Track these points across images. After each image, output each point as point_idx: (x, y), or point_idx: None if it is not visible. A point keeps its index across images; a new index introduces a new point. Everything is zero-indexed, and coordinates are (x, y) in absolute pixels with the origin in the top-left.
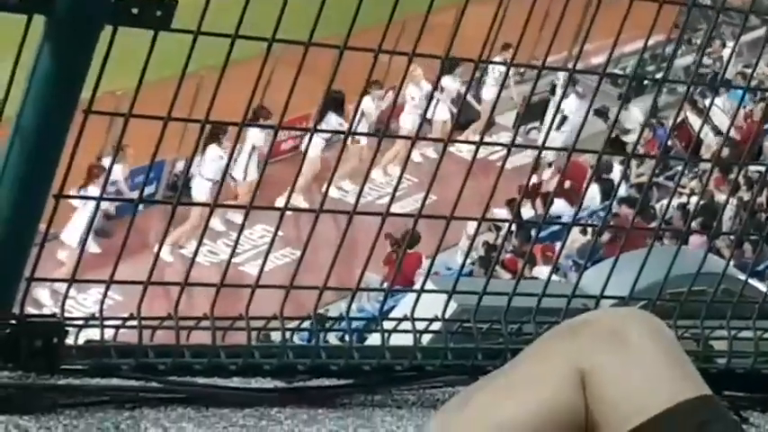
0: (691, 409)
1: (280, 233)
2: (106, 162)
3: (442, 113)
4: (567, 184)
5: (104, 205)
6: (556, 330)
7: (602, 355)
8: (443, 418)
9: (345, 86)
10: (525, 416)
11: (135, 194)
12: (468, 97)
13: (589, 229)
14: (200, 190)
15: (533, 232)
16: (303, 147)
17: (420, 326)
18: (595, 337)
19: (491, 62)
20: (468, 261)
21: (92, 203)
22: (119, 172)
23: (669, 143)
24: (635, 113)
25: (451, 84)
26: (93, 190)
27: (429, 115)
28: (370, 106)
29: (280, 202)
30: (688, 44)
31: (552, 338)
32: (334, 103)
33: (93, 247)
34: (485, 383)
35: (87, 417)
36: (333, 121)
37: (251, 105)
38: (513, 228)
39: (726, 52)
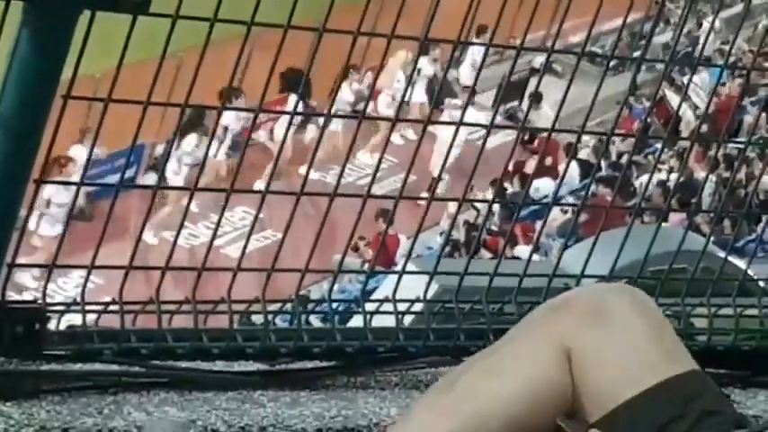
0: (679, 384)
1: (260, 215)
2: (74, 150)
3: (419, 95)
4: (549, 161)
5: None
6: (540, 310)
7: (586, 332)
8: (430, 399)
9: (323, 69)
10: (512, 396)
11: (114, 178)
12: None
13: (568, 207)
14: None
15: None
16: (275, 131)
17: (402, 307)
18: (579, 314)
19: (470, 43)
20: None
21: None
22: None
23: (648, 121)
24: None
25: (427, 65)
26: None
27: (406, 97)
28: (347, 91)
29: (257, 186)
30: (666, 23)
31: (536, 318)
32: (296, 84)
33: (73, 232)
34: (470, 365)
35: (70, 402)
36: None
37: (230, 89)
38: (497, 208)
39: (703, 30)
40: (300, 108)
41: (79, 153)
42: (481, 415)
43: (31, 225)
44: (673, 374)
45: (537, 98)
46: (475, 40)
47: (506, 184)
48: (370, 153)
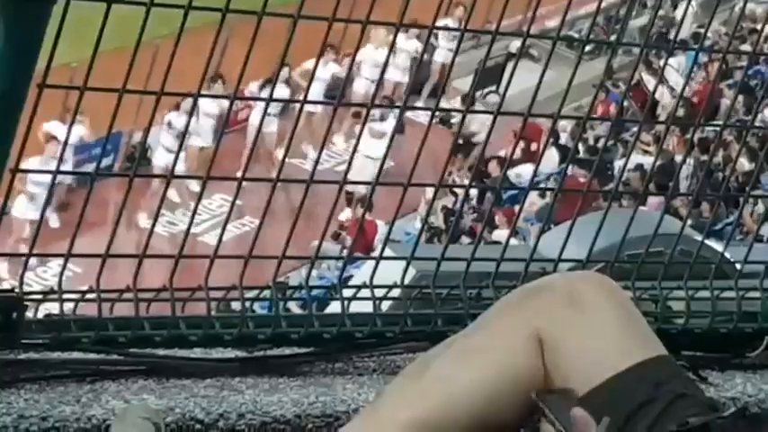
0: (648, 370)
1: (238, 202)
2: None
3: (393, 75)
4: (534, 146)
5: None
6: (512, 295)
7: (559, 319)
8: (401, 385)
9: (305, 57)
10: (483, 383)
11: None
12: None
13: (548, 192)
14: (161, 159)
15: (490, 197)
16: (251, 118)
17: (379, 293)
18: (552, 300)
19: (445, 28)
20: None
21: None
22: (84, 131)
23: (625, 104)
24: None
25: (405, 44)
26: (36, 159)
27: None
28: (323, 71)
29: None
30: (643, 6)
31: (508, 303)
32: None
33: (52, 220)
34: (442, 350)
35: (48, 390)
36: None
37: (205, 76)
38: (475, 193)
39: (679, 13)
40: (287, 94)
41: (61, 131)
42: (454, 398)
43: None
44: (643, 359)
45: (471, 101)
46: (449, 20)
47: (490, 170)
48: (344, 138)
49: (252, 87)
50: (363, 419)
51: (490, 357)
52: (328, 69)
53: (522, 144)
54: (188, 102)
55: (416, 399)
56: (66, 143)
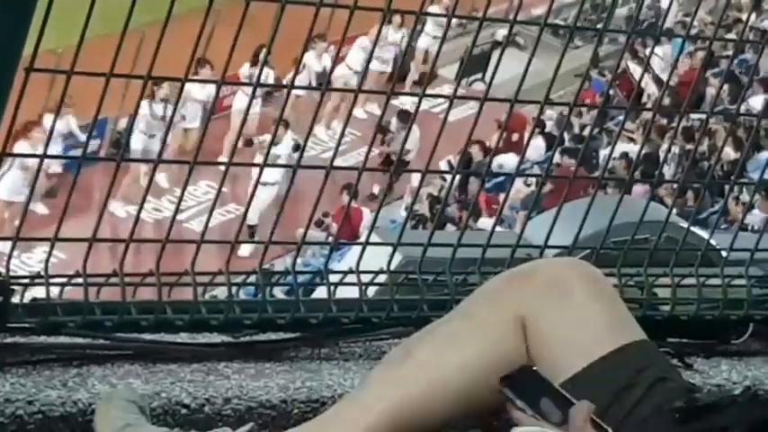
0: (629, 354)
1: (224, 189)
2: (47, 120)
3: (376, 65)
4: (516, 137)
5: (46, 164)
6: (496, 280)
7: (542, 304)
8: (383, 371)
9: (294, 44)
10: (465, 368)
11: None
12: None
13: (532, 180)
14: (137, 142)
15: (476, 184)
16: (235, 104)
17: (365, 278)
18: (535, 286)
19: (432, 14)
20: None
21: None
22: (73, 124)
23: (611, 93)
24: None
25: (392, 33)
26: (24, 146)
27: (360, 68)
28: (313, 61)
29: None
30: None
31: (491, 289)
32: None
33: (39, 208)
34: (424, 335)
35: (35, 375)
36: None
37: (192, 60)
38: (459, 181)
39: (665, 2)
40: (272, 79)
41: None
42: (436, 384)
43: None
44: (624, 343)
45: (411, 122)
46: (436, 7)
47: (473, 154)
48: (325, 126)
49: (243, 71)
50: (346, 405)
51: (472, 343)
52: (322, 62)
53: (503, 135)
54: (165, 90)
55: (398, 385)
56: (53, 128)
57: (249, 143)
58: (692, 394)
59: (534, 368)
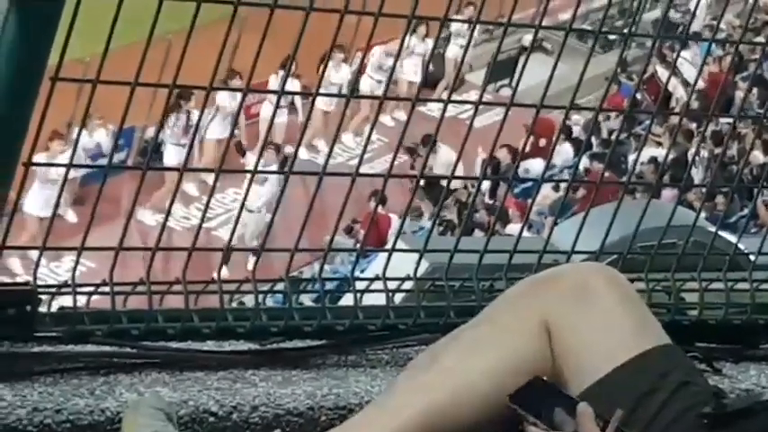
0: (653, 359)
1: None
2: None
3: (408, 74)
4: (543, 142)
5: (72, 174)
6: (519, 287)
7: (567, 309)
8: (410, 377)
9: (319, 51)
10: (491, 374)
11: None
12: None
13: (561, 186)
14: (171, 155)
15: (503, 190)
16: (262, 112)
17: (392, 285)
18: (560, 290)
19: (457, 20)
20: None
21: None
22: (103, 137)
23: (638, 97)
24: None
25: (418, 44)
26: (42, 158)
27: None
28: (336, 72)
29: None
30: (656, 0)
31: (516, 294)
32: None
33: (70, 215)
34: (449, 341)
35: (62, 383)
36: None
37: (217, 69)
38: (487, 187)
39: (693, 5)
40: (298, 87)
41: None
42: (461, 390)
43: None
44: (648, 348)
45: (432, 144)
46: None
47: (500, 157)
48: (353, 134)
49: (271, 81)
50: (373, 412)
51: (497, 348)
52: (342, 75)
53: (530, 140)
54: (192, 102)
55: (425, 391)
56: (79, 135)
57: (278, 150)
58: (718, 399)
59: (544, 379)
